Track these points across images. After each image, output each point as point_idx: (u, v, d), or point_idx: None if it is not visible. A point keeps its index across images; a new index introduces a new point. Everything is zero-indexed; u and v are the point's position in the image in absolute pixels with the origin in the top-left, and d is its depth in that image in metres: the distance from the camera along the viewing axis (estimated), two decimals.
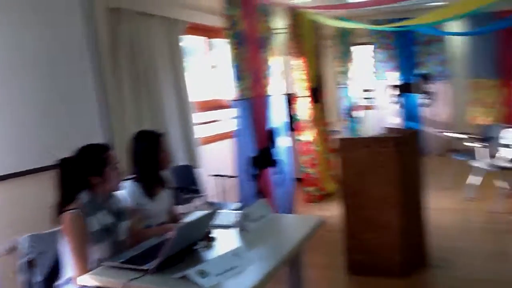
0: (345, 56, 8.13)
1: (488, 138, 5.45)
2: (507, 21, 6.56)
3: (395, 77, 8.37)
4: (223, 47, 5.26)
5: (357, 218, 3.59)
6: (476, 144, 5.47)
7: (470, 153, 5.71)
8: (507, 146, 4.98)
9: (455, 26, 7.94)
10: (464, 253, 3.92)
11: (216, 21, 4.64)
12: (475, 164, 5.29)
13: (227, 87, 5.12)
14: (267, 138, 4.55)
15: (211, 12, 4.83)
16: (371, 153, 3.50)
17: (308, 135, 6.02)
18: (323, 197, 6.00)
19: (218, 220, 2.55)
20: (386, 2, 5.15)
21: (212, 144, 5.22)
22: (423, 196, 3.76)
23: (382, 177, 3.47)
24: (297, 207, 5.38)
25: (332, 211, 4.85)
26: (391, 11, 7.91)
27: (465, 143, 5.79)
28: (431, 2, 6.93)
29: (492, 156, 5.45)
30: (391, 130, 4.06)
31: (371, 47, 8.58)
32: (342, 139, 3.80)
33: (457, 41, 8.07)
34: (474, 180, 5.39)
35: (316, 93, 6.14)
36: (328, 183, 6.17)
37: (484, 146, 5.36)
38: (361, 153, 3.53)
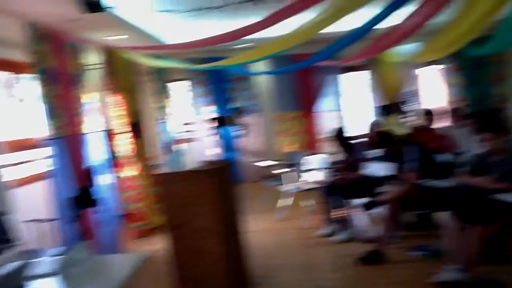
0: (162, 92, 8.32)
1: (293, 164, 6.20)
2: (304, 62, 7.62)
3: (212, 111, 8.90)
4: (31, 83, 4.91)
5: (183, 249, 3.71)
6: (283, 170, 6.16)
7: (280, 178, 6.41)
8: (308, 170, 5.75)
9: (261, 66, 8.87)
10: (282, 269, 4.37)
11: (22, 56, 4.34)
12: (283, 188, 5.95)
13: (38, 125, 4.79)
14: (86, 177, 4.38)
15: (14, 46, 4.50)
16: (188, 186, 3.68)
17: (131, 171, 5.96)
18: (152, 231, 5.96)
19: (35, 269, 2.38)
20: (199, 45, 5.50)
21: (26, 187, 4.77)
22: (241, 222, 4.08)
23: (202, 208, 3.66)
24: (125, 244, 5.24)
25: (161, 244, 4.87)
26: (206, 50, 8.42)
27: (275, 170, 6.46)
28: (241, 44, 7.64)
29: (297, 179, 6.20)
30: (206, 162, 4.32)
31: (189, 82, 8.97)
32: (161, 174, 3.92)
33: (263, 78, 9.03)
34: (284, 202, 6.03)
35: (137, 129, 6.15)
36: (155, 217, 6.16)
37: (290, 171, 6.07)
38: (180, 186, 3.69)
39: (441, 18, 4.72)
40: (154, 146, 7.66)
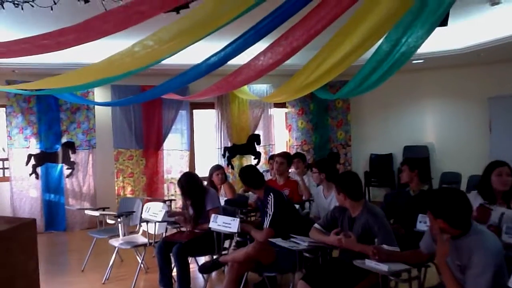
0: None
1: (128, 212, 5.21)
2: (147, 94, 6.81)
3: (34, 145, 7.43)
4: None
5: None
6: (116, 220, 5.17)
7: (112, 229, 5.38)
8: (146, 220, 4.80)
9: (101, 95, 7.82)
10: None
11: None
12: (114, 241, 4.92)
13: None
14: None
15: None
16: None
17: None
18: None
19: None
20: None
21: None
22: None
23: None
24: None
25: None
26: (29, 73, 7.10)
27: (106, 219, 5.42)
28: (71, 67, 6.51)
29: (132, 231, 5.25)
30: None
31: (6, 110, 7.39)
32: None
33: (103, 110, 7.90)
34: (114, 258, 5.01)
35: None
36: None
37: (124, 221, 5.08)
38: None
39: (294, 61, 4.48)
40: None
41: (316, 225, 3.46)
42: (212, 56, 3.83)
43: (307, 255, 3.40)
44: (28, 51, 2.99)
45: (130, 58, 3.21)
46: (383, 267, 2.67)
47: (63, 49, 2.93)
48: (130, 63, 3.35)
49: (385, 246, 2.97)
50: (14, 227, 2.89)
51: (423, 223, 3.61)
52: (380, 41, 3.84)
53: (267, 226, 3.77)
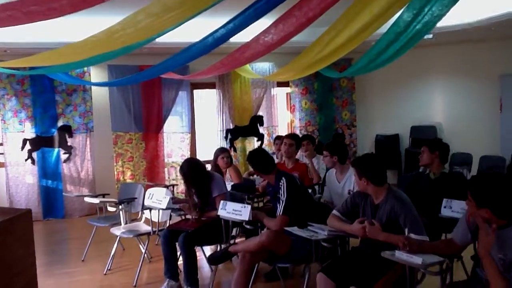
0: None
1: (129, 199, 4.96)
2: (145, 73, 6.45)
3: (29, 129, 7.12)
4: None
5: None
6: (117, 207, 4.91)
7: (113, 216, 5.14)
8: (148, 207, 4.54)
9: (97, 76, 7.49)
10: None
11: None
12: (115, 230, 4.68)
13: None
14: None
15: None
16: None
17: None
18: None
19: None
20: None
21: None
22: None
23: None
24: None
25: None
26: (22, 53, 6.71)
27: (105, 206, 5.18)
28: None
29: (134, 219, 5.00)
30: None
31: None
32: None
33: (100, 92, 7.56)
34: (115, 247, 4.77)
35: None
36: None
37: (125, 209, 4.82)
38: None
39: (298, 38, 4.18)
40: None
41: (335, 212, 3.21)
42: (220, 28, 3.53)
43: (324, 244, 3.16)
44: (17, 19, 2.62)
45: (132, 29, 2.91)
46: (417, 260, 2.43)
47: (57, 17, 2.58)
48: (132, 34, 3.04)
49: (412, 235, 2.73)
50: (10, 219, 2.63)
51: (448, 208, 3.38)
52: (400, 11, 3.55)
53: (281, 213, 3.51)
